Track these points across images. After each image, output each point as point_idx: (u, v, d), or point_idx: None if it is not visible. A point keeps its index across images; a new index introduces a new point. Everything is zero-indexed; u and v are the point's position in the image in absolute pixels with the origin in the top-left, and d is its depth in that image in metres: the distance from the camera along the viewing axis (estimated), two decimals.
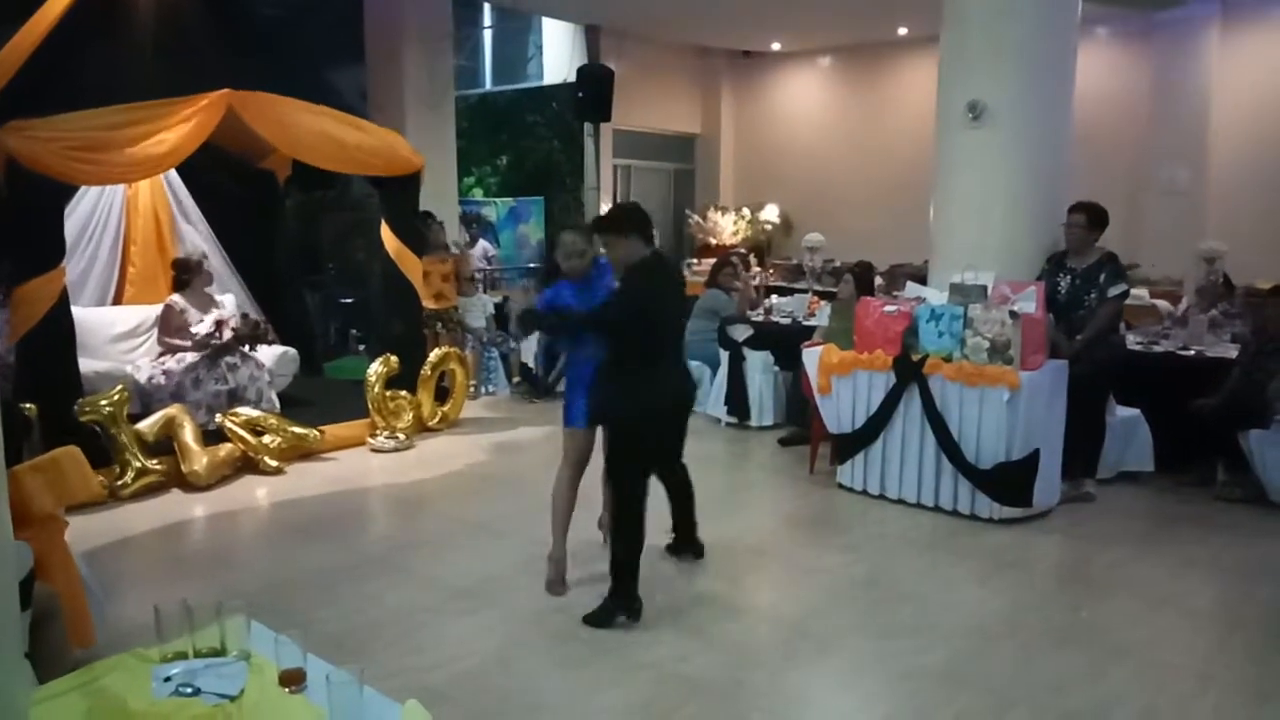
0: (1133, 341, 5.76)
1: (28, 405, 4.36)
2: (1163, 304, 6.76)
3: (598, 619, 3.54)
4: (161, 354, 5.85)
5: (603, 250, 3.73)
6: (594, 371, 3.71)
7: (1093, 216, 5.01)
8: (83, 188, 5.73)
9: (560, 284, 3.81)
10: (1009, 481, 4.66)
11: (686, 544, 4.21)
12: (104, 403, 4.93)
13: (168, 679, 1.73)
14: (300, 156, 6.08)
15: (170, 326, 5.85)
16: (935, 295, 5.10)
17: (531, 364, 8.03)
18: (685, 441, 3.93)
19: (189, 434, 5.24)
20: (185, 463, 5.17)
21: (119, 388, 5.08)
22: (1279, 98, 8.87)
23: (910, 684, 3.15)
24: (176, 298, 5.91)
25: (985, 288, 4.81)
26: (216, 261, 6.68)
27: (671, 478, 4.06)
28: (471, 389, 7.60)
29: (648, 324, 3.55)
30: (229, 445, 5.44)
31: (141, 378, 5.67)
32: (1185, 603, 3.88)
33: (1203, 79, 9.10)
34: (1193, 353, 5.65)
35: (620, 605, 3.56)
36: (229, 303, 6.34)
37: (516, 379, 8.06)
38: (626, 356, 3.58)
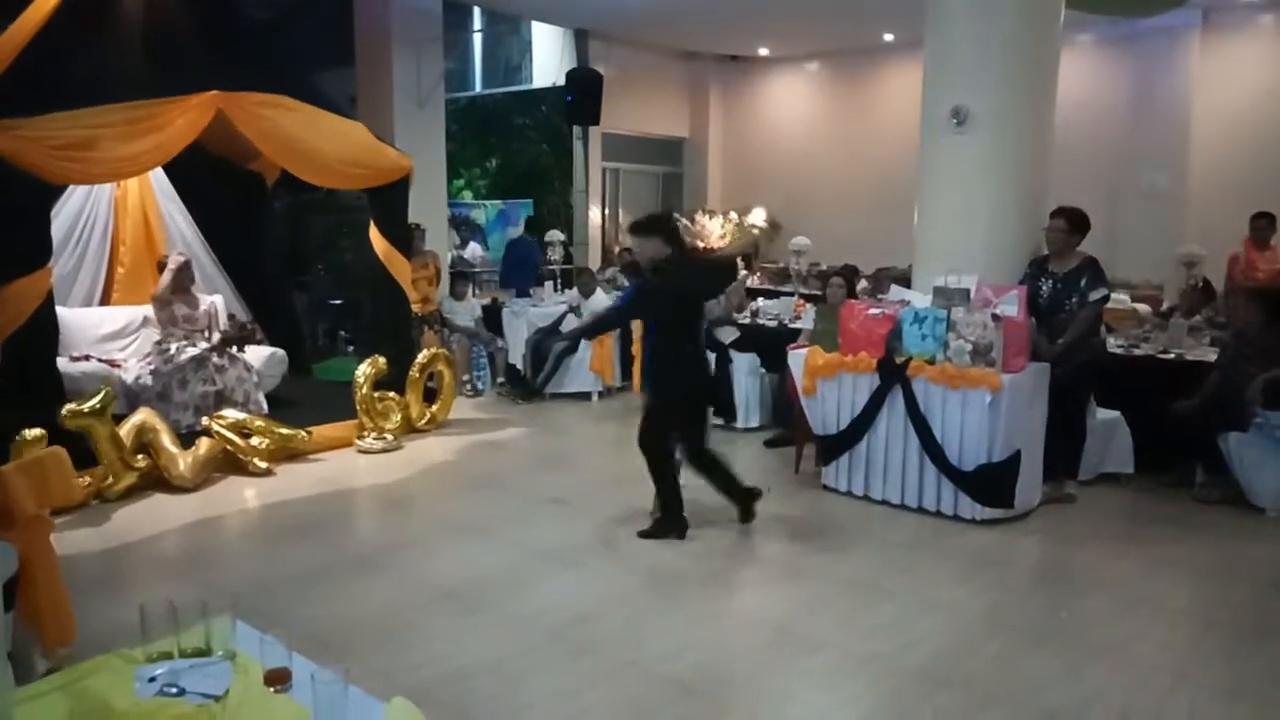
0: (1113, 344, 5.82)
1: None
2: (1143, 307, 6.83)
3: (650, 533, 4.49)
4: (147, 355, 5.84)
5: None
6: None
7: (1074, 221, 5.06)
8: (71, 186, 5.72)
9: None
10: (991, 483, 4.71)
11: (746, 506, 4.69)
12: (89, 406, 4.78)
13: (152, 679, 1.73)
14: (286, 165, 6.07)
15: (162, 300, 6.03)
16: (919, 298, 5.15)
17: (520, 365, 8.05)
18: (703, 429, 4.54)
19: (165, 438, 5.16)
20: (167, 467, 5.12)
21: (104, 390, 4.98)
22: (1257, 106, 8.97)
23: (891, 683, 3.19)
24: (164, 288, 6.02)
25: (968, 291, 4.86)
26: (205, 262, 6.69)
27: (699, 463, 4.56)
28: (465, 385, 7.64)
29: (654, 320, 4.29)
30: (208, 441, 5.37)
31: (129, 378, 5.64)
32: (1162, 602, 3.93)
33: (1183, 86, 9.20)
34: (1172, 356, 5.72)
35: (669, 527, 4.49)
36: (217, 302, 6.34)
37: (500, 379, 8.07)
38: (656, 346, 4.39)
